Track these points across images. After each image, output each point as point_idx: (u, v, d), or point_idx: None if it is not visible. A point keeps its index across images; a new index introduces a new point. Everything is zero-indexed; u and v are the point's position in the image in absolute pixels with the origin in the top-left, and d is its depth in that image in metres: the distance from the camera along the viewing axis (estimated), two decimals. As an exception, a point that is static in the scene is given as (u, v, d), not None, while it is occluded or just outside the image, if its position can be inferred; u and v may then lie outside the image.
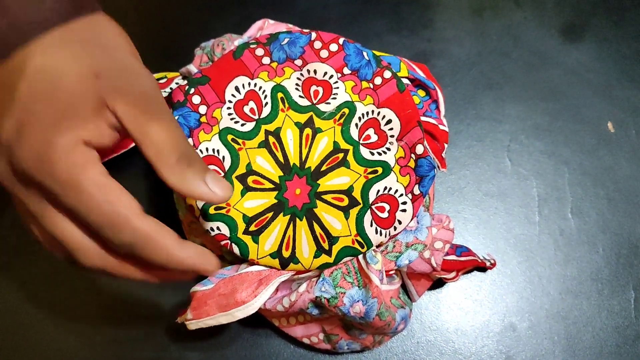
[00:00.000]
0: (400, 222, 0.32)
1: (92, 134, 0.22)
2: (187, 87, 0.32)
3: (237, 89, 0.33)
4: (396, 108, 0.33)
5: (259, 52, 0.33)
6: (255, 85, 0.33)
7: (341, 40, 0.33)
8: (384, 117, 0.33)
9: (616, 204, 0.41)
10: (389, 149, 0.33)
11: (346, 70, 0.33)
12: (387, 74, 0.33)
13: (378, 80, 0.33)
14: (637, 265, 0.39)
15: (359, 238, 0.31)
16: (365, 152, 0.33)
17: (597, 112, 0.43)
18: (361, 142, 0.33)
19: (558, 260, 0.39)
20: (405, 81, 0.35)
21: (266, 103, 0.33)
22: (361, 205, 0.32)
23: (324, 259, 0.31)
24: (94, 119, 0.22)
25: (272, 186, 0.32)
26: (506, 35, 0.46)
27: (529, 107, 0.44)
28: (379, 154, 0.33)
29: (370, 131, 0.33)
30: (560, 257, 0.39)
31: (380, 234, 0.32)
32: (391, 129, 0.33)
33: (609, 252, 0.40)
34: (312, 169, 0.32)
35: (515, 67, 0.45)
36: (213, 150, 0.32)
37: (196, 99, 0.32)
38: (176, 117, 0.32)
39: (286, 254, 0.31)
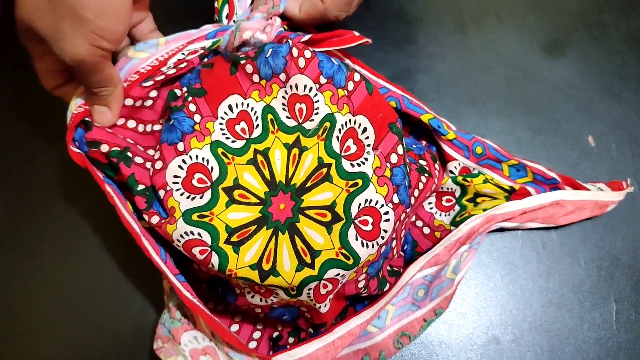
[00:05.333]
0: (386, 231, 0.32)
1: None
2: (185, 94, 0.33)
3: (230, 107, 0.33)
4: (368, 113, 0.34)
5: (249, 69, 0.33)
6: (247, 105, 0.33)
7: (313, 48, 0.34)
8: (359, 125, 0.34)
9: (597, 217, 0.41)
10: (366, 159, 0.33)
11: (322, 80, 0.34)
12: (357, 77, 0.34)
13: (350, 86, 0.34)
14: (618, 277, 0.40)
15: (343, 251, 0.31)
16: (346, 165, 0.33)
17: (578, 126, 0.44)
18: (342, 154, 0.33)
19: (540, 273, 0.40)
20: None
21: (257, 125, 0.34)
22: (344, 220, 0.32)
23: (306, 272, 0.31)
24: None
25: (257, 201, 0.32)
26: (489, 51, 0.47)
27: (511, 121, 0.44)
28: (358, 165, 0.33)
29: (350, 142, 0.34)
30: (542, 270, 0.40)
31: (367, 247, 0.32)
32: (367, 137, 0.34)
33: (590, 264, 0.40)
34: (298, 185, 0.33)
35: (497, 82, 0.45)
36: (203, 159, 0.32)
37: (192, 107, 0.33)
38: (172, 121, 0.33)
39: (266, 266, 0.31)
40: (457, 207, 0.40)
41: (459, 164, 0.41)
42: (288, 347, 0.36)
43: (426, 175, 0.37)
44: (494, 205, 0.39)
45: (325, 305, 0.33)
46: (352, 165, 0.33)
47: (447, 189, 0.41)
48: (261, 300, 0.33)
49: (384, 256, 0.35)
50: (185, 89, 0.33)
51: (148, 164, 0.33)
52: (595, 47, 0.47)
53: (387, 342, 0.36)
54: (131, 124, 0.34)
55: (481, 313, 0.39)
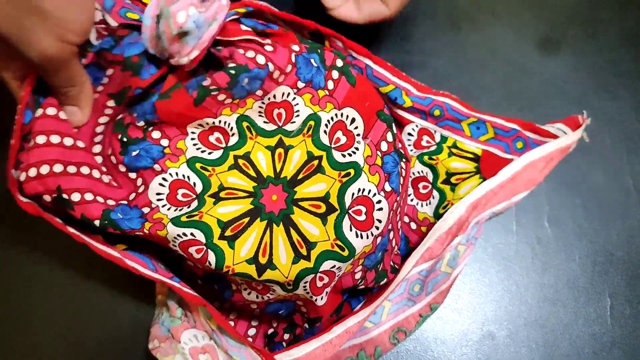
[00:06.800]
0: (380, 221, 0.32)
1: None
2: (144, 127, 0.32)
3: (200, 125, 0.32)
4: (355, 104, 0.34)
5: (221, 97, 0.32)
6: (219, 121, 0.33)
7: (293, 57, 0.33)
8: (347, 116, 0.34)
9: (592, 213, 0.41)
10: (357, 149, 0.33)
11: (300, 84, 0.33)
12: (335, 74, 0.34)
13: (330, 84, 0.34)
14: (613, 272, 0.40)
15: (338, 242, 0.31)
16: (337, 155, 0.33)
17: (572, 122, 0.44)
18: (332, 146, 0.33)
19: (535, 269, 0.40)
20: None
21: (233, 134, 0.33)
22: (338, 211, 0.32)
23: (302, 264, 0.31)
24: None
25: (246, 194, 0.32)
26: (484, 47, 0.47)
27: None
28: (349, 154, 0.33)
29: (339, 133, 0.33)
30: (537, 266, 0.40)
31: (362, 237, 0.32)
32: (356, 127, 0.34)
33: (585, 260, 0.40)
34: (289, 178, 0.32)
35: (492, 78, 0.45)
36: (183, 175, 0.32)
37: (156, 134, 0.32)
38: (137, 152, 0.32)
39: (263, 260, 0.31)
40: (435, 194, 0.40)
41: (416, 126, 0.41)
42: (284, 344, 0.36)
43: (404, 160, 0.37)
44: (472, 189, 0.39)
45: (322, 298, 0.32)
46: (344, 156, 0.33)
47: (418, 172, 0.41)
48: (257, 297, 0.33)
49: (382, 248, 0.35)
50: (142, 122, 0.32)
51: (88, 195, 0.31)
52: (590, 43, 0.47)
53: (383, 338, 0.36)
54: (54, 139, 0.30)
55: (476, 309, 0.39)
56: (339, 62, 0.34)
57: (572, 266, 0.40)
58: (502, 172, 0.38)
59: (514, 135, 0.40)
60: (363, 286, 0.35)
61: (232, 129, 0.33)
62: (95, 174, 0.31)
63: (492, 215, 0.39)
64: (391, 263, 0.37)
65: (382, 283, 0.36)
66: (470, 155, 0.40)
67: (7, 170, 0.30)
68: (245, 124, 0.33)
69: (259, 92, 0.32)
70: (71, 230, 0.31)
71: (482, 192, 0.38)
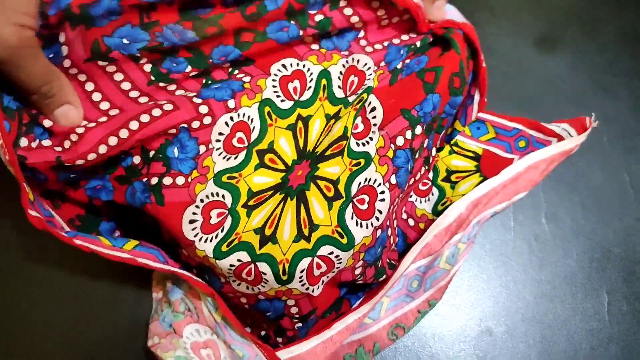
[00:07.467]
0: (380, 212, 0.33)
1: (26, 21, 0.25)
2: (229, 69, 0.32)
3: (284, 66, 0.33)
4: (381, 96, 0.34)
5: (308, 40, 0.33)
6: (304, 66, 0.33)
7: (386, 43, 0.34)
8: (369, 103, 0.34)
9: (589, 210, 0.42)
10: (371, 139, 0.33)
11: (382, 64, 0.34)
12: (391, 66, 0.34)
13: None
14: (610, 269, 0.40)
15: (339, 229, 0.32)
16: (352, 143, 0.33)
17: (570, 120, 0.45)
18: (353, 131, 0.34)
19: (533, 265, 0.40)
20: None
21: (309, 87, 0.33)
22: (344, 199, 0.32)
23: (302, 244, 0.31)
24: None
25: (283, 167, 0.32)
26: (481, 45, 0.47)
27: (504, 115, 0.45)
28: (363, 144, 0.33)
29: (358, 120, 0.34)
30: (535, 262, 0.40)
31: (362, 227, 0.32)
32: (374, 117, 0.34)
33: (582, 256, 0.40)
34: (319, 153, 0.33)
35: (490, 77, 0.45)
36: (248, 117, 0.32)
37: (239, 76, 0.32)
38: (218, 85, 0.32)
39: (268, 232, 0.31)
40: (435, 191, 0.41)
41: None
42: (280, 344, 0.36)
43: (426, 167, 0.37)
44: (472, 187, 0.39)
45: (318, 288, 0.33)
46: (357, 145, 0.33)
47: None
48: (247, 288, 0.33)
49: (382, 244, 0.36)
50: (228, 63, 0.32)
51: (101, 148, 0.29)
52: (588, 42, 0.48)
53: (381, 334, 0.37)
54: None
55: (474, 305, 0.39)
56: (399, 65, 0.35)
57: (569, 263, 0.40)
58: (505, 171, 0.38)
59: (516, 135, 0.41)
60: (362, 282, 0.36)
61: (312, 80, 0.33)
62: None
63: (494, 214, 0.39)
64: (387, 260, 0.37)
65: (380, 280, 0.37)
66: (471, 154, 0.40)
67: (22, 191, 0.29)
68: (323, 82, 0.33)
69: (345, 52, 0.33)
70: (78, 242, 0.31)
71: (483, 190, 0.38)
